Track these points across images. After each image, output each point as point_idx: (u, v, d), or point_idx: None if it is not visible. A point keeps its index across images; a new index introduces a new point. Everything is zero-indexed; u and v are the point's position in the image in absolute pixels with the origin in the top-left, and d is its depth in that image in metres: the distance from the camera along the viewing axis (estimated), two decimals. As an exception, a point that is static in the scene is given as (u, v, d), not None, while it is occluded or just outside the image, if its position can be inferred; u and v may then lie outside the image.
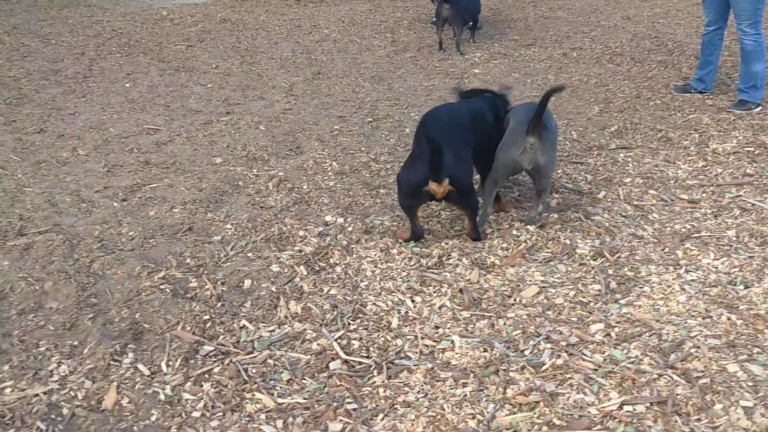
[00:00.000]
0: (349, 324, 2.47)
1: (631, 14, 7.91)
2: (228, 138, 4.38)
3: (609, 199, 3.39)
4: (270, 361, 2.28)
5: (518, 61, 6.15)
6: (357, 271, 2.81)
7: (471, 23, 6.90)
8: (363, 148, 4.24)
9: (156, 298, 2.61)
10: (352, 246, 3.02)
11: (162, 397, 2.13)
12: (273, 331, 2.45)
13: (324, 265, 2.88)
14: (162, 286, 2.69)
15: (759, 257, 2.77)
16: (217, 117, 4.80)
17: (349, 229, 3.17)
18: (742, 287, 2.55)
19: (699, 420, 1.91)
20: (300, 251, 2.97)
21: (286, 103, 5.19)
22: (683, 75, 5.49)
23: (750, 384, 2.05)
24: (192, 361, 2.29)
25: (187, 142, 4.30)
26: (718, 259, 2.77)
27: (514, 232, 3.10)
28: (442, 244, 3.01)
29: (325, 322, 2.49)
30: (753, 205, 3.23)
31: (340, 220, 3.27)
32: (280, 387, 2.16)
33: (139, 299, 2.61)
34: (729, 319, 2.35)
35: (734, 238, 2.93)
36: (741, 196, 3.33)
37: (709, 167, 3.70)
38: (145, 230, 3.15)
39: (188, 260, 2.90)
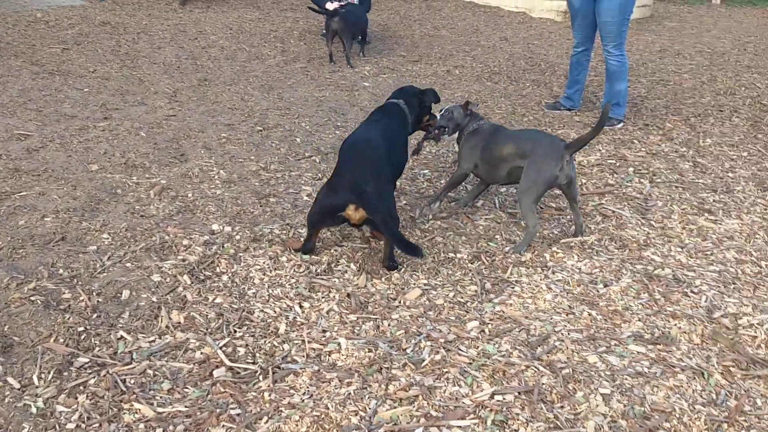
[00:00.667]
0: (235, 331, 2.46)
1: (509, 35, 8.41)
2: (105, 144, 4.21)
3: (486, 207, 3.59)
4: (150, 372, 2.22)
5: (406, 76, 6.35)
6: (244, 279, 2.80)
7: (360, 37, 7.06)
8: (252, 157, 4.22)
9: (26, 310, 2.47)
10: (240, 254, 3.00)
11: (34, 410, 2.03)
12: (153, 341, 2.39)
13: (210, 274, 2.85)
14: (32, 298, 2.55)
15: (617, 259, 3.05)
16: (93, 122, 4.59)
17: (237, 237, 3.15)
18: (602, 286, 2.79)
19: (562, 407, 2.08)
20: (184, 260, 2.91)
21: (169, 109, 5.06)
22: (554, 93, 5.91)
23: (608, 373, 2.25)
24: (66, 374, 2.19)
25: (61, 149, 4.09)
26: (581, 261, 3.02)
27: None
28: (332, 251, 3.06)
29: (209, 330, 2.46)
30: (613, 212, 3.54)
31: (228, 228, 3.24)
32: (161, 396, 2.12)
33: (7, 311, 2.46)
34: (590, 314, 2.57)
35: (596, 242, 3.20)
36: (602, 204, 3.64)
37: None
38: (13, 240, 2.97)
39: (61, 271, 2.77)
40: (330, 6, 6.79)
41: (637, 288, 2.77)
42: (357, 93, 5.76)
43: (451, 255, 3.07)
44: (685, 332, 2.46)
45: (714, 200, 3.73)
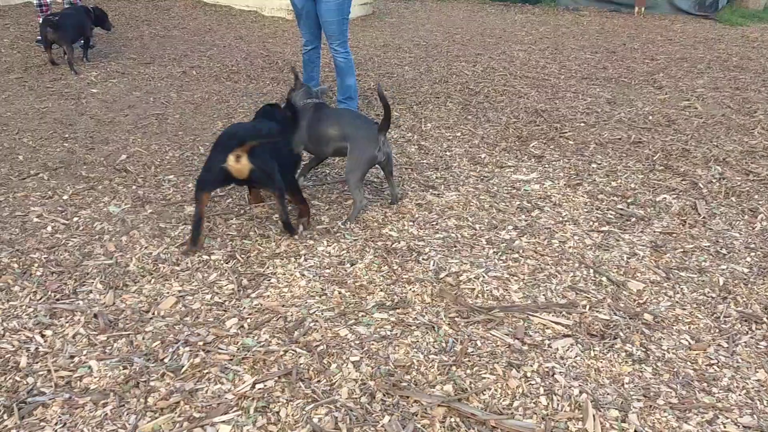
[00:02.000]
0: (-34, 376, 2.23)
1: (243, 34, 8.48)
2: None
3: (237, 207, 3.67)
4: None
5: (138, 80, 6.09)
6: (-31, 317, 2.53)
7: (82, 41, 6.58)
8: (-36, 182, 3.75)
9: None
10: (-40, 291, 2.70)
11: None
12: None
13: (-76, 318, 2.52)
14: None
15: (361, 239, 3.34)
16: None
17: (-46, 273, 2.82)
18: (348, 265, 3.06)
19: (319, 381, 2.27)
20: None
21: None
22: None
23: (357, 342, 2.50)
24: None
25: None
26: (330, 246, 3.26)
27: (149, 248, 3.14)
28: (75, 274, 2.89)
29: (-68, 380, 2.20)
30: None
31: (-59, 265, 2.88)
32: None
33: None
34: (340, 293, 2.81)
35: (342, 227, 3.47)
36: (345, 190, 3.95)
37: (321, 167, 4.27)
38: None
39: None
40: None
41: (378, 263, 3.09)
42: (85, 101, 5.39)
43: (206, 258, 3.10)
44: (418, 294, 2.82)
45: (436, 177, 4.26)
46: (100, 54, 6.87)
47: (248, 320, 2.61)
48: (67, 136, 4.60)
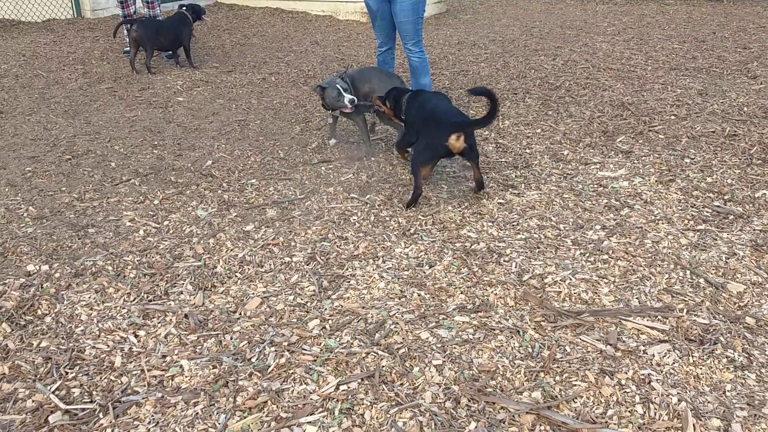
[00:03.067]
0: (67, 373, 2.34)
1: (319, 39, 8.60)
2: None
3: (316, 207, 3.71)
4: (-25, 433, 2.06)
5: (221, 88, 6.28)
6: (70, 318, 2.66)
7: (170, 52, 6.88)
8: (63, 188, 3.98)
9: None
10: (62, 293, 2.84)
11: None
12: (-25, 399, 2.21)
13: (31, 318, 2.67)
14: None
15: (439, 240, 3.30)
16: None
17: (57, 275, 2.98)
18: (427, 267, 3.02)
19: (402, 384, 2.24)
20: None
21: (-39, 148, 4.60)
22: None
23: (439, 345, 2.45)
24: None
25: None
26: (408, 248, 3.23)
27: (235, 251, 3.22)
28: (166, 275, 3.00)
29: (38, 376, 2.32)
30: (435, 197, 3.82)
31: (45, 267, 3.05)
32: (-8, 457, 1.98)
33: None
34: (419, 295, 2.78)
35: (419, 228, 3.44)
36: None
37: (393, 170, 4.26)
38: None
39: None
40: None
41: (457, 264, 3.03)
42: (172, 109, 5.61)
43: (287, 260, 3.14)
44: (500, 297, 2.75)
45: (516, 176, 4.16)
46: (185, 63, 7.13)
47: (330, 321, 2.62)
48: (156, 143, 4.79)
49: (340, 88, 4.30)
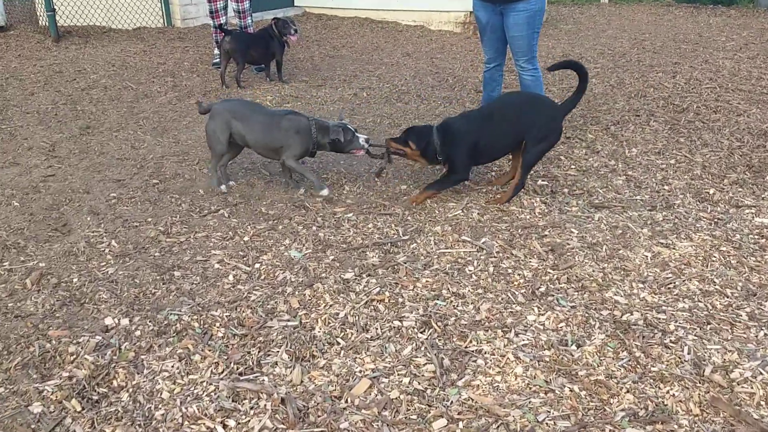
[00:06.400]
0: (144, 474, 1.93)
1: (411, 51, 8.13)
2: (-33, 224, 3.51)
3: (423, 252, 3.20)
4: None
5: (311, 103, 5.90)
6: (150, 395, 2.25)
7: (263, 65, 6.61)
8: (149, 218, 3.64)
9: None
10: (142, 357, 2.45)
11: None
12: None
13: (105, 391, 2.28)
14: None
15: (580, 306, 2.72)
16: (-49, 196, 3.86)
17: (137, 333, 2.60)
18: (574, 347, 2.45)
19: None
20: (71, 377, 2.32)
21: (47, 167, 4.38)
22: (467, 109, 5.63)
23: (604, 465, 1.89)
24: None
25: None
26: (542, 314, 2.67)
27: (335, 307, 2.75)
28: (257, 339, 2.56)
29: (110, 477, 1.92)
30: (564, 246, 3.24)
31: (125, 321, 2.68)
32: None
33: None
34: (572, 390, 2.21)
35: (552, 286, 2.87)
36: (546, 234, 3.34)
37: (507, 207, 3.70)
38: None
39: None
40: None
41: (613, 345, 2.45)
42: (262, 128, 5.24)
43: (397, 324, 2.65)
44: (680, 401, 2.14)
45: (658, 220, 3.52)
46: (275, 76, 6.81)
47: (460, 423, 2.09)
48: (246, 166, 4.43)
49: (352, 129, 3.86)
